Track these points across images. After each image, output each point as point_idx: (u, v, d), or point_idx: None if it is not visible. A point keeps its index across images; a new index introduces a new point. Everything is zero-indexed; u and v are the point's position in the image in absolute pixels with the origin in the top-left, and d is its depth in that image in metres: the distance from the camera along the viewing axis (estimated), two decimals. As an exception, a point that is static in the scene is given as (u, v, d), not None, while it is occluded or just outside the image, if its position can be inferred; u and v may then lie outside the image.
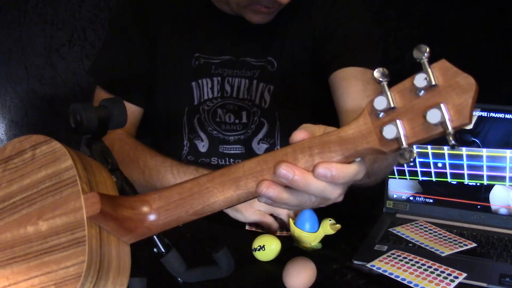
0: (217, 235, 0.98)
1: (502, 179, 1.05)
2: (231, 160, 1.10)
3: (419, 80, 0.45)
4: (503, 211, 1.06)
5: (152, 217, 0.53)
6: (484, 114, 1.05)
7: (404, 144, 0.46)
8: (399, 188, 1.12)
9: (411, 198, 1.12)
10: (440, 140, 1.09)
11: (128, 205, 0.53)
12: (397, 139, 0.46)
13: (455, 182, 1.09)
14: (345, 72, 0.98)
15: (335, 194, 0.51)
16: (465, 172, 1.08)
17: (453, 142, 0.44)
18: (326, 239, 0.94)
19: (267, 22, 1.00)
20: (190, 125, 1.10)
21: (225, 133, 1.10)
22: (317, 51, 1.04)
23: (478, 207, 1.07)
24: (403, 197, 1.12)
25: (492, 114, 1.05)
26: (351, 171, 0.50)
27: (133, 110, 1.08)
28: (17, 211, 0.55)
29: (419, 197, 1.12)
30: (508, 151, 1.04)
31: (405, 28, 1.68)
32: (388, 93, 0.47)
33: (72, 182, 0.52)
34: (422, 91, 0.45)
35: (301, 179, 0.49)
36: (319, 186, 0.50)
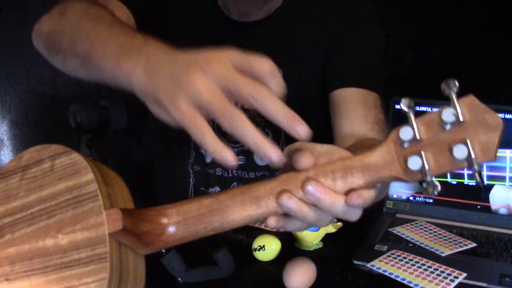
0: (217, 235, 0.98)
1: (502, 179, 1.05)
2: (233, 172, 1.09)
3: (447, 114, 0.46)
4: (503, 211, 1.06)
5: (170, 231, 0.53)
6: (484, 114, 1.05)
7: (429, 178, 0.47)
8: (399, 188, 1.12)
9: (411, 198, 1.12)
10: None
11: (147, 219, 0.53)
12: (421, 171, 0.47)
13: (455, 182, 1.09)
14: (347, 92, 0.96)
15: (358, 215, 0.52)
16: (465, 172, 1.08)
17: (479, 179, 0.46)
18: (326, 239, 0.95)
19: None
20: (197, 153, 1.08)
21: (230, 144, 1.08)
22: (325, 61, 1.02)
23: (478, 207, 1.07)
24: (403, 197, 1.12)
25: (492, 114, 1.05)
26: (374, 195, 0.51)
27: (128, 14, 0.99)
28: (35, 223, 0.55)
29: (419, 197, 1.12)
30: (508, 151, 1.04)
31: (405, 28, 1.69)
32: (414, 125, 0.47)
33: (94, 197, 0.52)
34: (449, 125, 0.46)
35: (327, 199, 0.50)
36: (344, 208, 0.51)
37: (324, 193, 0.50)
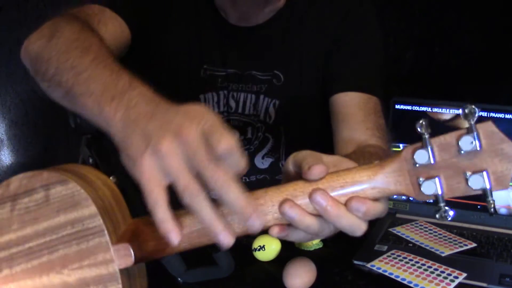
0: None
1: (502, 179, 1.05)
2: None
3: (465, 142, 0.46)
4: (503, 211, 1.06)
5: (174, 244, 0.52)
6: (484, 114, 1.05)
7: (442, 204, 0.48)
8: (399, 188, 1.12)
9: (411, 198, 1.12)
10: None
11: (151, 238, 0.52)
12: (435, 196, 0.48)
13: (455, 182, 1.09)
14: (348, 97, 0.96)
15: (362, 229, 0.52)
16: (465, 172, 1.08)
17: (492, 210, 0.47)
18: (326, 239, 0.94)
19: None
20: None
21: None
22: (325, 63, 1.01)
23: (478, 207, 1.07)
24: (403, 197, 1.12)
25: (492, 114, 1.05)
26: (381, 208, 0.52)
27: (122, 30, 0.96)
28: (35, 258, 0.53)
29: (419, 197, 1.11)
30: (508, 151, 1.04)
31: (405, 28, 1.69)
32: (429, 148, 0.48)
33: (99, 231, 0.50)
34: (465, 151, 0.47)
35: (333, 210, 0.50)
36: (349, 219, 0.51)
37: (331, 204, 0.50)
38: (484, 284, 0.84)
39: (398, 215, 1.11)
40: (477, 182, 0.46)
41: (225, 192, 0.49)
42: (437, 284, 0.81)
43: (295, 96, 1.03)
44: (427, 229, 1.03)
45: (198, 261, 0.62)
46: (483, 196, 0.46)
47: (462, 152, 0.47)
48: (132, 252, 0.49)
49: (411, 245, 0.96)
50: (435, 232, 1.02)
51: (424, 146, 0.48)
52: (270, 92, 1.04)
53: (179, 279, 0.70)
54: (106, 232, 0.50)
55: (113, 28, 0.93)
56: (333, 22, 1.00)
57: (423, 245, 0.95)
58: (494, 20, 1.60)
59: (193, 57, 1.04)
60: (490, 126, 0.46)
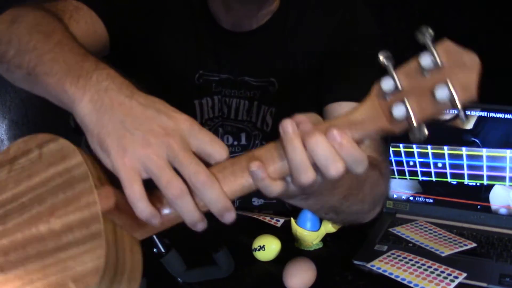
0: (217, 235, 0.98)
1: (502, 179, 1.05)
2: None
3: (425, 60, 0.47)
4: (503, 211, 1.06)
5: (164, 212, 0.53)
6: (484, 114, 1.05)
7: (415, 123, 0.48)
8: (399, 188, 1.12)
9: (411, 198, 1.12)
10: (440, 140, 1.09)
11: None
12: (407, 118, 0.48)
13: (455, 182, 1.09)
14: (340, 107, 0.93)
15: (338, 166, 0.51)
16: (465, 172, 1.08)
17: (463, 117, 0.46)
18: (326, 239, 0.95)
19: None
20: None
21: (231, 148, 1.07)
22: (319, 71, 1.00)
23: (478, 207, 1.07)
24: (403, 197, 1.12)
25: (492, 114, 1.05)
26: (359, 152, 0.51)
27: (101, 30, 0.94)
28: (26, 211, 0.54)
29: (419, 197, 1.12)
30: (508, 151, 1.04)
31: (405, 28, 1.68)
32: (395, 75, 0.49)
33: (84, 178, 0.52)
34: (428, 71, 0.47)
35: (312, 135, 0.51)
36: (325, 148, 0.50)
37: (309, 129, 0.52)
38: (484, 284, 0.84)
39: (398, 215, 1.11)
40: (443, 93, 0.46)
41: (207, 191, 0.51)
42: (437, 284, 0.81)
43: (291, 104, 1.01)
44: (427, 229, 1.03)
45: (198, 261, 0.63)
46: (452, 107, 0.46)
47: (426, 72, 0.47)
48: (115, 195, 0.50)
49: (411, 245, 0.96)
50: (435, 232, 1.02)
51: (389, 74, 0.49)
52: (265, 100, 1.03)
53: (179, 279, 0.70)
54: (90, 177, 0.51)
55: (86, 26, 0.91)
56: (327, 29, 0.99)
57: (423, 245, 0.95)
58: (494, 20, 1.60)
59: (188, 62, 1.03)
60: (447, 43, 0.48)
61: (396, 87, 0.48)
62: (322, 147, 0.51)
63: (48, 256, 0.52)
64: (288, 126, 0.52)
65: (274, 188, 0.53)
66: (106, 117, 0.53)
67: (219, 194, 0.51)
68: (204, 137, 0.53)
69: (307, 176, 0.52)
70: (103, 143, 0.53)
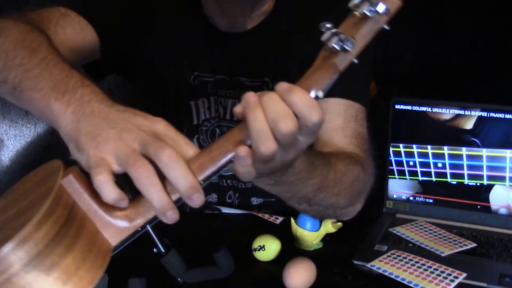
0: (217, 235, 0.98)
1: (502, 179, 1.05)
2: (228, 181, 1.08)
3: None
4: (503, 211, 1.06)
5: (133, 204, 0.54)
6: (484, 114, 1.05)
7: (342, 36, 0.58)
8: (399, 188, 1.12)
9: (411, 198, 1.12)
10: (440, 140, 1.09)
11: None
12: (332, 32, 0.59)
13: (455, 182, 1.09)
14: (328, 103, 0.93)
15: (288, 122, 0.53)
16: (465, 172, 1.08)
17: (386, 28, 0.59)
18: (326, 239, 0.95)
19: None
20: None
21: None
22: None
23: (478, 207, 1.07)
24: (403, 197, 1.12)
25: (492, 114, 1.05)
26: (309, 98, 0.54)
27: (90, 35, 0.95)
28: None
29: (419, 197, 1.12)
30: (508, 151, 1.04)
31: (405, 28, 1.68)
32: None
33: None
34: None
35: (265, 95, 0.54)
36: (276, 106, 0.53)
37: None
38: (484, 284, 0.84)
39: (398, 215, 1.11)
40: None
41: (174, 166, 0.51)
42: (437, 284, 0.81)
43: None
44: (427, 229, 1.03)
45: (198, 261, 0.62)
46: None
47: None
48: (78, 173, 0.52)
49: (411, 245, 0.96)
50: (435, 232, 1.02)
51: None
52: None
53: (179, 279, 0.69)
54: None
55: (73, 32, 0.92)
56: (320, 31, 0.99)
57: (423, 245, 0.95)
58: (494, 20, 1.60)
59: (183, 63, 1.03)
60: None
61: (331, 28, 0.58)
62: (274, 103, 0.53)
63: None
64: (250, 97, 0.54)
65: (252, 170, 0.55)
66: (85, 123, 0.56)
67: (185, 171, 0.51)
68: (179, 139, 0.54)
69: (267, 145, 0.53)
70: (78, 142, 0.55)
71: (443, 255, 0.92)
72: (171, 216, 0.53)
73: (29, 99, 0.63)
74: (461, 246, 0.95)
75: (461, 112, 1.07)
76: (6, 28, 0.75)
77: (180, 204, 0.54)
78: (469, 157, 1.07)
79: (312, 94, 0.56)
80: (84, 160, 0.54)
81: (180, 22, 1.03)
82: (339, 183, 0.78)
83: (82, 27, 0.94)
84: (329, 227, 0.92)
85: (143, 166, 0.51)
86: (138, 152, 0.52)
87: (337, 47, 0.57)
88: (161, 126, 0.55)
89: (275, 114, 0.53)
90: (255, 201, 1.09)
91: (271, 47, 1.01)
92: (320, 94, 0.56)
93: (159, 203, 0.52)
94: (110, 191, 0.51)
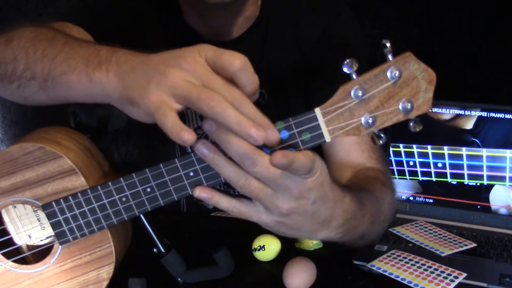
0: (217, 235, 0.98)
1: (502, 179, 1.05)
2: (222, 186, 1.07)
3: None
4: (503, 211, 1.06)
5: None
6: (484, 114, 1.05)
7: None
8: (399, 188, 1.12)
9: (411, 198, 1.12)
10: (440, 140, 1.09)
11: None
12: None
13: (455, 182, 1.09)
14: None
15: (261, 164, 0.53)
16: (465, 172, 1.08)
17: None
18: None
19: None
20: (183, 153, 1.03)
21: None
22: (308, 80, 0.97)
23: (478, 207, 1.07)
24: (403, 197, 1.12)
25: (492, 114, 1.05)
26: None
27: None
28: None
29: (419, 197, 1.12)
30: (508, 151, 1.04)
31: (405, 28, 1.68)
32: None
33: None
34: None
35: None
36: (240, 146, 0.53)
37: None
38: (484, 284, 0.84)
39: (398, 215, 1.11)
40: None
41: (243, 107, 0.51)
42: (437, 284, 0.81)
43: (282, 114, 1.00)
44: (427, 229, 1.03)
45: (198, 261, 0.63)
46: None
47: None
48: None
49: (411, 245, 0.96)
50: (435, 232, 1.02)
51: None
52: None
53: (179, 279, 0.70)
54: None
55: (79, 36, 0.92)
56: (311, 40, 0.96)
57: (423, 245, 0.95)
58: (494, 20, 1.60)
59: None
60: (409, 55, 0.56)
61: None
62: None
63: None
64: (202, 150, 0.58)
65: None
66: (130, 80, 0.55)
67: (253, 73, 0.53)
68: (219, 52, 0.54)
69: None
70: (131, 98, 0.55)
71: (443, 255, 0.92)
72: (259, 133, 0.51)
73: (65, 84, 0.62)
74: (461, 246, 0.95)
75: (461, 112, 1.07)
76: (16, 32, 0.74)
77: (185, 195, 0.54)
78: (469, 157, 1.07)
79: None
80: (143, 111, 0.54)
81: (164, 36, 1.00)
82: (382, 209, 0.77)
83: (83, 37, 0.94)
84: (329, 227, 0.92)
85: (210, 95, 0.50)
86: (194, 84, 0.52)
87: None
88: (207, 52, 0.54)
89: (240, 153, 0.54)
90: None
91: (260, 55, 0.98)
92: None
93: (238, 124, 0.51)
94: (181, 132, 0.51)
